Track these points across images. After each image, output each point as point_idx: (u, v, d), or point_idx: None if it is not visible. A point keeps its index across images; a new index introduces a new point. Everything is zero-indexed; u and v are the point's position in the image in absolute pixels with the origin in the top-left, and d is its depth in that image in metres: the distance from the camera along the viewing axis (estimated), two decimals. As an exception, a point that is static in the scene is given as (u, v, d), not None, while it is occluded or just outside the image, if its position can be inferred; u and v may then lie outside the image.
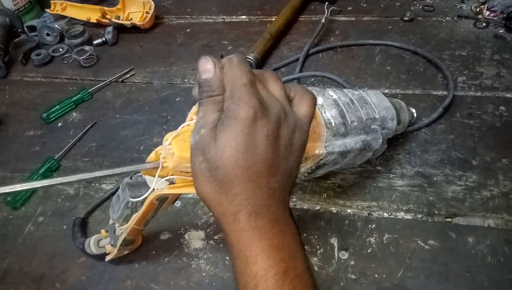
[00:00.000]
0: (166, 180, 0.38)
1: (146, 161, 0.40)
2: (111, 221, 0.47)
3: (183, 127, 0.36)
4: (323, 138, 0.43)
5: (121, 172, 0.36)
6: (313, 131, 0.42)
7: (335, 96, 0.47)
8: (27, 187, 0.34)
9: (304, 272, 0.32)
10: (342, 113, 0.45)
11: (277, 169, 0.32)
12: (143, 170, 0.37)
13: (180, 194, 0.44)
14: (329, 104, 0.45)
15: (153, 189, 0.39)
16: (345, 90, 0.51)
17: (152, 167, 0.37)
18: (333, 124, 0.44)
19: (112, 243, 0.48)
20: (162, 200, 0.42)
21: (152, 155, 0.40)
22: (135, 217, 0.43)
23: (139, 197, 0.40)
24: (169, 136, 0.35)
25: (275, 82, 0.34)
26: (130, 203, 0.42)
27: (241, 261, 0.31)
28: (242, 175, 0.30)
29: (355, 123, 0.46)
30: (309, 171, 0.44)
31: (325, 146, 0.42)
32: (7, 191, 0.34)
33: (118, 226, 0.45)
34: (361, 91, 0.52)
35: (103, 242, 0.50)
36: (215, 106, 0.32)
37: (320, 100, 0.45)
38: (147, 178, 0.41)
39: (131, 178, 0.43)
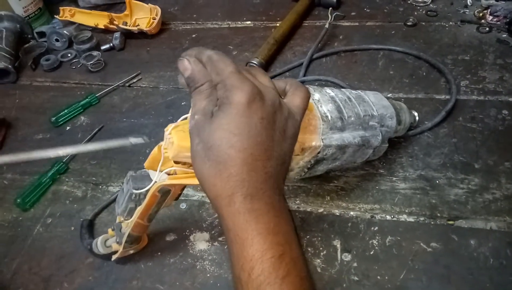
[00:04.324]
0: (166, 173, 0.39)
1: (149, 156, 0.42)
2: (117, 219, 0.48)
3: (183, 120, 0.38)
4: (319, 130, 0.43)
5: (118, 145, 0.38)
6: (309, 123, 0.43)
7: (332, 93, 0.48)
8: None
9: (298, 257, 0.32)
10: (339, 108, 0.46)
11: (272, 154, 0.33)
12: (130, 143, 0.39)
13: (182, 187, 0.45)
14: (325, 99, 0.46)
15: (155, 181, 0.40)
16: (343, 89, 0.52)
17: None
18: (330, 117, 0.45)
19: (118, 240, 0.49)
20: (165, 193, 0.43)
21: (155, 150, 0.42)
22: (138, 210, 0.44)
23: (142, 189, 0.41)
24: (169, 127, 0.37)
25: (263, 76, 0.36)
26: (134, 195, 0.43)
27: (238, 245, 0.31)
28: (236, 156, 0.31)
29: (352, 118, 0.47)
30: (309, 165, 0.45)
31: (322, 139, 0.43)
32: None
33: (122, 221, 0.47)
34: (359, 91, 0.53)
35: (109, 242, 0.51)
36: (202, 94, 0.34)
37: (317, 96, 0.46)
38: (150, 172, 0.43)
39: (135, 172, 0.44)
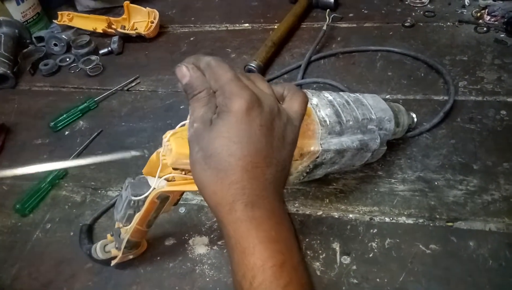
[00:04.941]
0: (165, 179, 0.39)
1: (148, 162, 0.42)
2: (116, 225, 0.48)
3: (181, 126, 0.38)
4: (318, 135, 0.44)
5: (122, 157, 0.38)
6: (308, 128, 0.43)
7: (330, 97, 0.48)
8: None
9: (299, 264, 0.32)
10: (337, 112, 0.46)
11: (272, 161, 0.33)
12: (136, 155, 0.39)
13: (181, 193, 0.45)
14: (324, 104, 0.46)
15: (154, 188, 0.40)
16: (341, 93, 0.52)
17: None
18: (328, 122, 0.45)
19: (117, 246, 0.49)
20: (163, 199, 0.43)
21: (153, 156, 0.42)
22: (137, 216, 0.44)
23: (140, 195, 0.41)
24: (167, 134, 0.37)
25: (262, 81, 0.36)
26: (132, 202, 0.43)
27: (239, 252, 0.31)
28: (235, 163, 0.31)
29: (350, 122, 0.47)
30: (307, 170, 0.45)
31: (320, 144, 0.43)
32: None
33: (121, 227, 0.47)
34: (357, 94, 0.53)
35: (109, 247, 0.51)
36: (200, 102, 0.34)
37: (315, 100, 0.46)
38: (149, 178, 0.43)
39: (134, 178, 0.44)
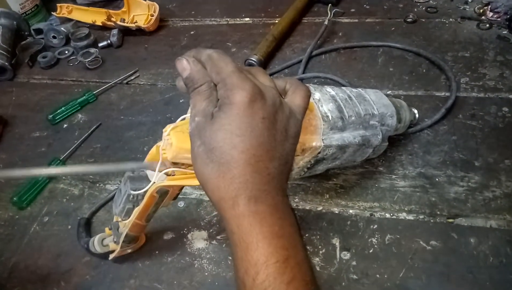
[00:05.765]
0: (165, 173, 0.39)
1: (147, 155, 0.41)
2: (114, 219, 0.48)
3: (181, 120, 0.38)
4: (320, 130, 0.43)
5: (121, 169, 0.38)
6: (310, 123, 0.43)
7: (332, 92, 0.47)
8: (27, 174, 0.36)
9: (303, 260, 0.32)
10: (339, 107, 0.46)
11: (275, 154, 0.32)
12: (141, 168, 0.38)
13: (180, 188, 0.45)
14: (326, 99, 0.46)
15: (153, 182, 0.40)
16: (343, 88, 0.51)
17: (148, 166, 0.38)
18: (330, 117, 0.44)
19: (115, 240, 0.48)
20: (163, 193, 0.42)
21: (153, 150, 0.41)
22: (136, 211, 0.44)
23: (140, 190, 0.41)
24: (168, 128, 0.37)
25: (264, 75, 0.35)
26: (131, 196, 0.42)
27: (242, 248, 0.31)
28: (238, 157, 0.31)
29: (353, 118, 0.47)
30: (308, 165, 0.45)
31: (322, 139, 0.43)
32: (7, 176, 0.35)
33: (120, 221, 0.46)
34: (359, 89, 0.53)
35: (107, 241, 0.50)
36: (202, 95, 0.33)
37: (317, 95, 0.45)
38: (148, 172, 0.42)
39: (133, 172, 0.43)
